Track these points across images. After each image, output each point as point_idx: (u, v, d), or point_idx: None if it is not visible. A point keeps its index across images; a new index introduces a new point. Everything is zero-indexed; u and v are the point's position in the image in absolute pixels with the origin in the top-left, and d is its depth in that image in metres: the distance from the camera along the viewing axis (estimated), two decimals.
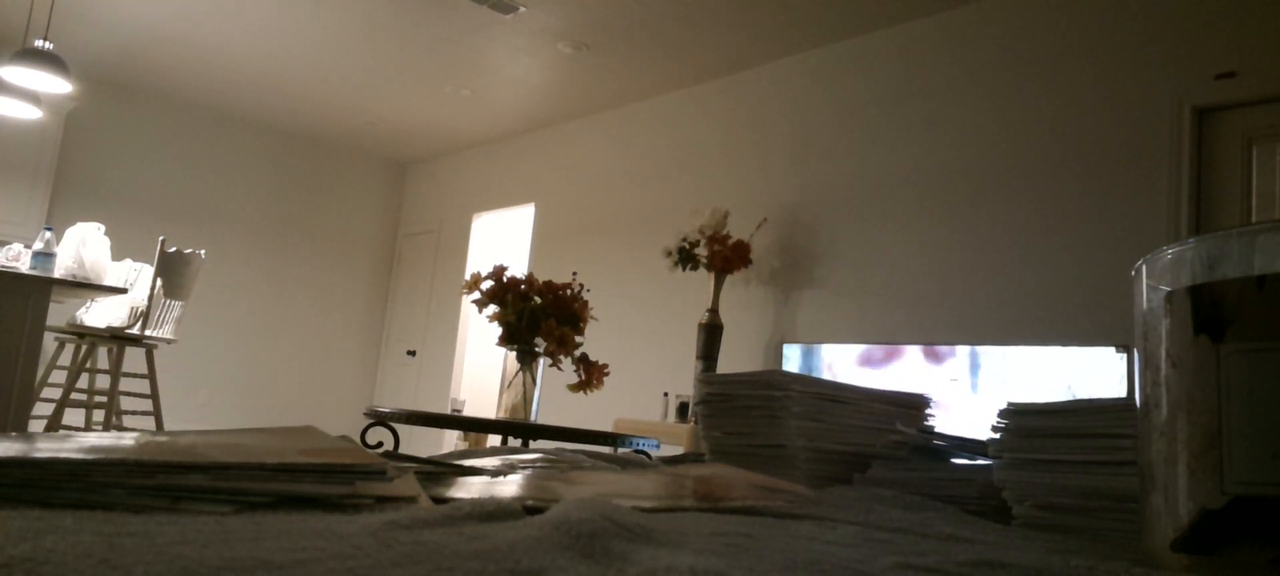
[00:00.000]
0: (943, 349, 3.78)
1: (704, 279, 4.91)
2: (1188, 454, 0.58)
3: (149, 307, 4.50)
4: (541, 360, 3.06)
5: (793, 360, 4.32)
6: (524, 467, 1.00)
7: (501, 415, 3.07)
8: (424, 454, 1.10)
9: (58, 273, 4.02)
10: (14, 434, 0.68)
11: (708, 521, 0.71)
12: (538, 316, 2.95)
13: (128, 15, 5.52)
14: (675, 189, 5.60)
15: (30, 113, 4.93)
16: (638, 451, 2.53)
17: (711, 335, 4.69)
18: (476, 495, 0.70)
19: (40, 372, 4.31)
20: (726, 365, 4.78)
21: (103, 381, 5.15)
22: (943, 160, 4.24)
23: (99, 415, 4.98)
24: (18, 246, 4.39)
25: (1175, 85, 3.50)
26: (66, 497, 0.50)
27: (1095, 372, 3.25)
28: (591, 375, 3.05)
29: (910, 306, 4.22)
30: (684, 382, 5.11)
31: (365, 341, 8.23)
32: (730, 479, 1.04)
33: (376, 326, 8.30)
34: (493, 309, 3.02)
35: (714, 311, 4.72)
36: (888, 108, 4.53)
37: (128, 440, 0.70)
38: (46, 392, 4.78)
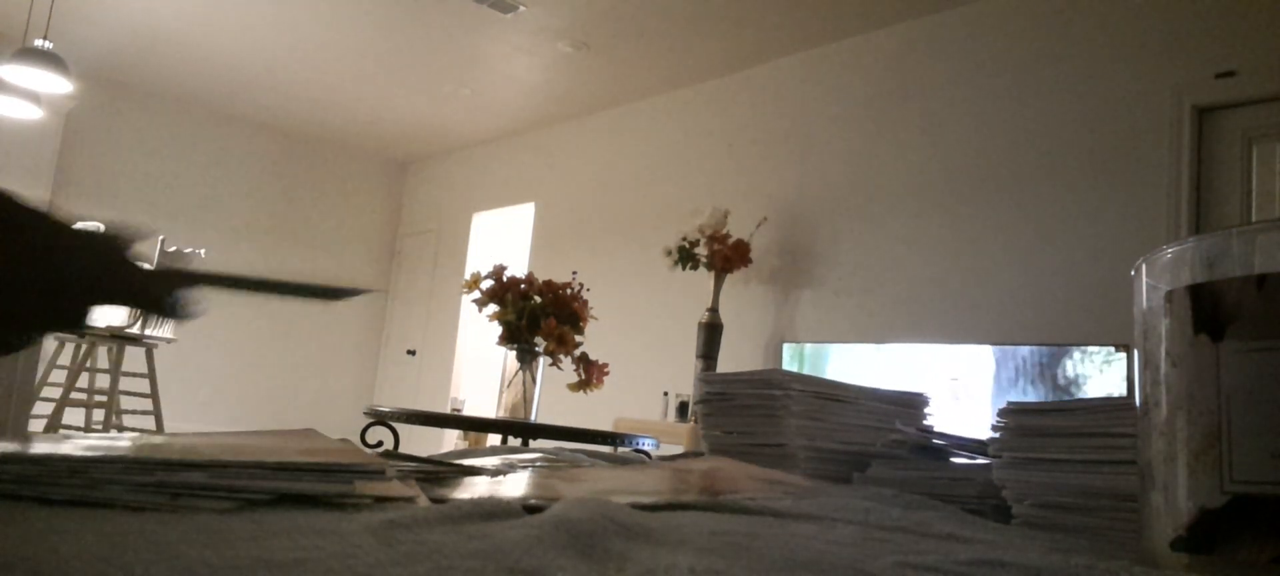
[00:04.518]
0: (942, 348, 3.78)
1: (704, 278, 4.91)
2: (1188, 453, 0.58)
3: None
4: (541, 360, 3.06)
5: (799, 360, 4.32)
6: (524, 467, 1.00)
7: (501, 415, 3.07)
8: (424, 453, 1.10)
9: None
10: (13, 434, 0.68)
11: (707, 520, 0.71)
12: (538, 316, 2.95)
13: (128, 15, 5.52)
14: (675, 188, 5.60)
15: (30, 112, 4.93)
16: (636, 450, 2.53)
17: (711, 334, 4.69)
18: (476, 494, 0.70)
19: (40, 372, 4.31)
20: (726, 364, 4.78)
21: (103, 381, 5.15)
22: (943, 159, 4.24)
23: (99, 415, 4.98)
24: None
25: (1175, 84, 3.50)
26: (66, 494, 0.50)
27: (1095, 372, 3.25)
28: (591, 374, 3.05)
29: (910, 305, 4.22)
30: (684, 382, 5.11)
31: (365, 341, 8.23)
32: (731, 472, 1.04)
33: (376, 326, 8.29)
34: (493, 308, 3.02)
35: (714, 311, 4.72)
36: (888, 107, 4.53)
37: (124, 442, 0.70)
38: (46, 392, 4.77)
